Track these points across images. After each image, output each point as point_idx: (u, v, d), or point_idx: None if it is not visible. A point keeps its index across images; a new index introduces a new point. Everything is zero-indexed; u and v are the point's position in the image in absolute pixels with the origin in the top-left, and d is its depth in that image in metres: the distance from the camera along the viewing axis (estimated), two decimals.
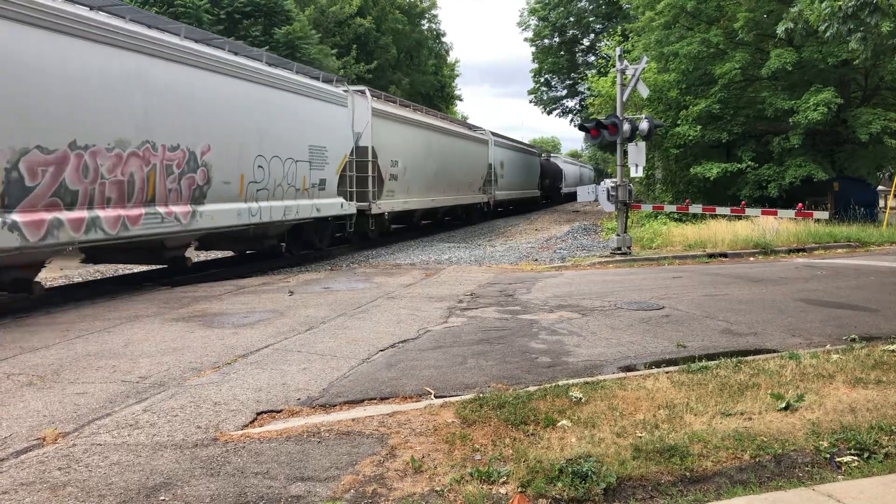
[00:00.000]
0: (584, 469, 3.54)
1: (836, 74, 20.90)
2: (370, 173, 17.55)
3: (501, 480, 3.54)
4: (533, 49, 46.93)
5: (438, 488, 3.47)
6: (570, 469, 3.55)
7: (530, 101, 50.27)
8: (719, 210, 17.26)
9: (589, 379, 5.34)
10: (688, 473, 3.64)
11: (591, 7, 43.46)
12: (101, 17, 9.43)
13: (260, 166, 12.84)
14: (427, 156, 22.58)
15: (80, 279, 13.55)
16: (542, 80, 48.22)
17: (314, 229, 15.84)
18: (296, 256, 15.37)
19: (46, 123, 8.39)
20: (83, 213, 8.91)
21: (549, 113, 49.89)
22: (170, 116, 10.47)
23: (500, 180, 32.34)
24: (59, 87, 8.57)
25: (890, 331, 7.12)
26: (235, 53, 12.57)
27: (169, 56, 10.47)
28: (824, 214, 16.83)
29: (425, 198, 22.64)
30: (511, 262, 14.81)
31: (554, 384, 5.14)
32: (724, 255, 15.08)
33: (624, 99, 15.22)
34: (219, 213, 11.66)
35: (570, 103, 48.55)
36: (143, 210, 9.93)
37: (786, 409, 4.52)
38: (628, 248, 15.16)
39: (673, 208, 18.58)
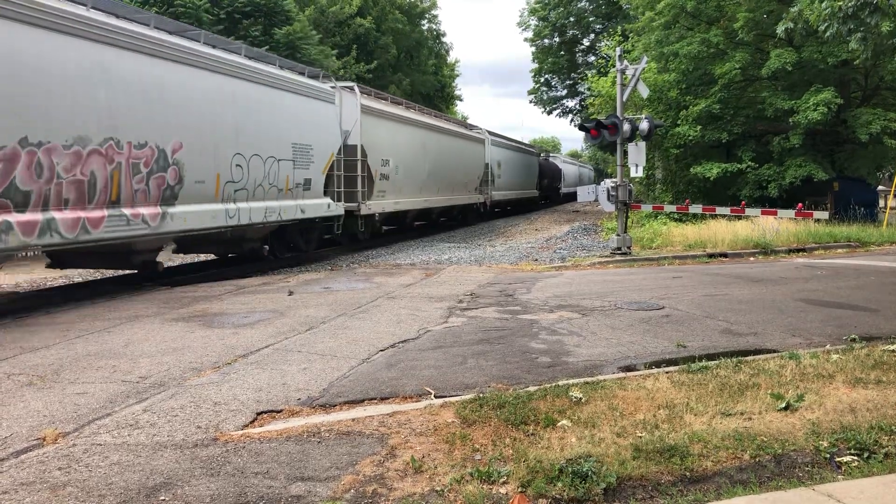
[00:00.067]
0: (584, 469, 3.54)
1: (836, 74, 20.90)
2: (359, 173, 16.97)
3: (501, 480, 3.54)
4: (533, 49, 46.95)
5: (438, 488, 3.47)
6: (570, 469, 3.55)
7: (530, 101, 50.31)
8: (719, 210, 17.27)
9: (589, 379, 5.34)
10: (688, 473, 3.64)
11: (591, 7, 43.46)
12: (58, 3, 8.73)
13: (238, 165, 12.20)
14: (420, 155, 22.00)
15: (80, 279, 13.55)
16: (542, 80, 48.21)
17: (299, 231, 15.26)
18: (280, 259, 14.81)
19: None
20: (36, 216, 8.28)
21: (550, 113, 49.92)
22: (137, 112, 9.83)
23: (498, 180, 31.90)
24: (6, 79, 7.91)
25: (890, 331, 7.12)
26: (213, 46, 12.00)
27: (136, 47, 9.84)
28: (824, 214, 16.83)
29: (418, 198, 22.04)
30: (511, 261, 14.81)
31: (554, 384, 5.14)
32: (724, 255, 15.09)
33: (624, 99, 15.22)
34: (192, 214, 11.02)
35: (571, 103, 48.59)
36: (106, 212, 9.28)
37: (786, 409, 4.52)
38: (628, 248, 15.16)
39: (673, 208, 18.58)
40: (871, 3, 8.95)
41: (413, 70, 42.06)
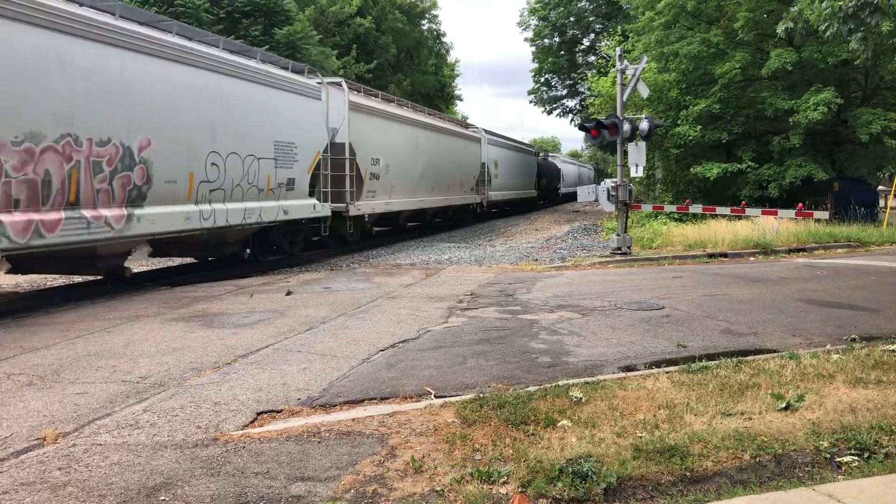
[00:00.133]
0: (584, 469, 3.54)
1: (836, 74, 20.91)
2: (347, 172, 16.29)
3: (502, 480, 3.54)
4: (533, 49, 46.94)
5: (439, 488, 3.47)
6: (570, 469, 3.55)
7: (530, 102, 50.28)
8: (719, 210, 17.27)
9: (589, 379, 5.34)
10: (688, 473, 3.64)
11: (591, 7, 43.46)
12: None
13: (214, 164, 11.48)
14: (413, 154, 21.40)
15: (80, 279, 13.55)
16: (543, 80, 48.20)
17: (283, 233, 14.57)
18: (263, 263, 14.12)
19: None
20: None
21: (550, 113, 49.89)
22: (99, 106, 9.12)
23: (495, 180, 31.36)
24: None
25: (890, 331, 7.12)
26: (189, 39, 11.31)
27: (98, 37, 9.10)
28: (824, 214, 16.83)
29: (411, 199, 21.44)
30: (511, 261, 14.81)
31: (554, 384, 5.14)
32: (725, 255, 15.09)
33: (624, 99, 15.22)
34: (162, 216, 10.34)
35: (571, 103, 48.57)
36: (63, 214, 8.57)
37: (786, 409, 4.52)
38: (628, 248, 15.16)
39: (673, 208, 18.58)
40: (872, 2, 8.95)
41: (413, 70, 42.07)
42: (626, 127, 14.81)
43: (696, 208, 17.79)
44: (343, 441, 4.12)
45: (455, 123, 28.64)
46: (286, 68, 14.30)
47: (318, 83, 15.56)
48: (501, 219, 33.12)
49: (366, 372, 5.67)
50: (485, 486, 3.47)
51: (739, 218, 17.31)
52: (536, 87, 48.67)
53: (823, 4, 9.55)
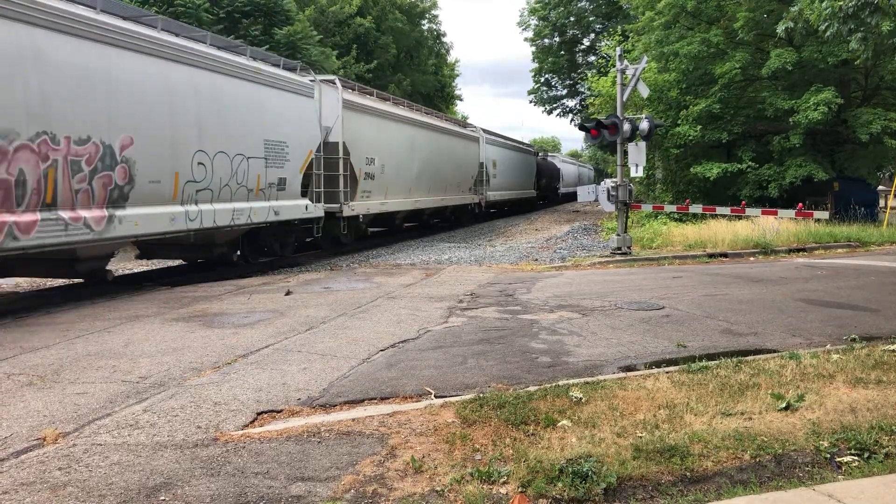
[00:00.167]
0: (584, 469, 3.54)
1: (837, 74, 20.90)
2: (341, 172, 15.95)
3: (502, 480, 3.54)
4: (533, 49, 46.95)
5: (439, 488, 3.47)
6: (570, 469, 3.55)
7: (530, 101, 50.28)
8: (719, 210, 17.27)
9: (589, 379, 5.34)
10: (688, 473, 3.64)
11: (591, 7, 43.47)
12: None
13: (200, 163, 11.11)
14: (409, 153, 21.05)
15: (79, 279, 13.54)
16: (543, 79, 48.20)
17: (274, 235, 14.20)
18: (253, 265, 13.77)
19: None
20: None
21: (550, 113, 49.87)
22: (78, 103, 8.78)
23: (493, 180, 30.89)
24: None
25: (890, 331, 7.12)
26: (176, 34, 10.96)
27: (77, 32, 8.76)
28: (824, 214, 16.83)
29: (407, 199, 21.05)
30: (511, 261, 14.81)
31: (554, 384, 5.14)
32: (725, 255, 15.09)
33: (624, 99, 15.22)
34: (145, 217, 9.97)
35: (571, 103, 48.56)
36: (38, 216, 8.24)
37: (786, 409, 4.52)
38: (628, 247, 15.16)
39: (673, 208, 18.58)
40: (872, 2, 8.95)
41: (413, 70, 42.05)
42: (626, 127, 14.81)
43: (696, 208, 17.79)
44: (343, 441, 4.12)
45: (453, 122, 28.28)
46: (277, 65, 13.95)
47: (311, 81, 15.23)
48: (501, 219, 33.10)
49: (366, 372, 5.67)
50: (485, 486, 3.47)
51: (739, 218, 17.31)
52: (536, 87, 48.68)
53: (823, 4, 9.55)
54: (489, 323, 7.69)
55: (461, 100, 61.15)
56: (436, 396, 5.02)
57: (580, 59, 46.43)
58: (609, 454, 3.77)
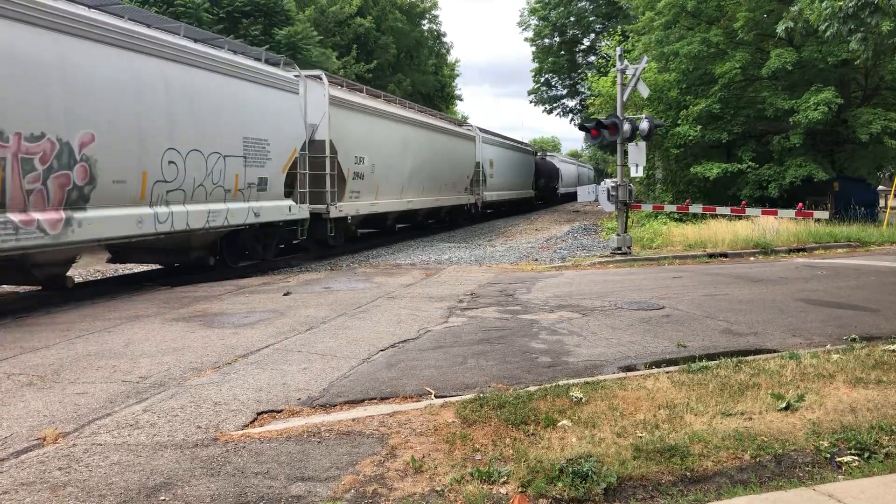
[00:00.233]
0: (584, 469, 3.54)
1: (837, 74, 20.91)
2: (328, 171, 15.31)
3: (502, 480, 3.54)
4: (533, 49, 46.97)
5: (439, 488, 3.47)
6: (570, 469, 3.55)
7: (530, 101, 50.30)
8: (719, 210, 17.28)
9: (589, 379, 5.34)
10: (688, 473, 3.64)
11: (591, 7, 43.49)
12: None
13: (172, 162, 10.48)
14: (401, 152, 20.40)
15: (80, 279, 13.56)
16: (543, 79, 48.21)
17: (255, 237, 13.57)
18: (233, 269, 13.03)
19: None
20: None
21: (550, 112, 49.88)
22: (30, 97, 8.19)
23: (490, 180, 30.37)
24: None
25: (890, 331, 7.12)
26: (148, 25, 10.36)
27: (27, 18, 8.15)
28: (824, 214, 16.84)
29: (399, 199, 20.48)
30: (511, 261, 14.81)
31: (554, 384, 5.14)
32: (725, 255, 15.09)
33: (624, 99, 15.22)
34: (109, 220, 9.32)
35: (571, 103, 48.59)
36: None
37: (786, 408, 4.52)
38: (628, 247, 15.17)
39: (673, 208, 18.58)
40: (872, 2, 8.96)
41: (413, 70, 42.07)
42: (626, 127, 14.81)
43: (697, 208, 17.79)
44: (343, 441, 4.12)
45: (447, 121, 27.63)
46: (259, 59, 13.36)
47: (296, 76, 14.55)
48: (501, 219, 33.06)
49: (366, 372, 5.67)
50: (485, 486, 3.47)
51: (739, 218, 17.31)
52: (536, 87, 48.69)
53: (823, 4, 9.55)
54: (489, 323, 7.69)
55: (461, 100, 61.19)
56: (436, 396, 5.02)
57: (580, 59, 46.46)
58: (609, 454, 3.77)
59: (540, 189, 43.00)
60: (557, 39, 45.75)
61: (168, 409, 4.69)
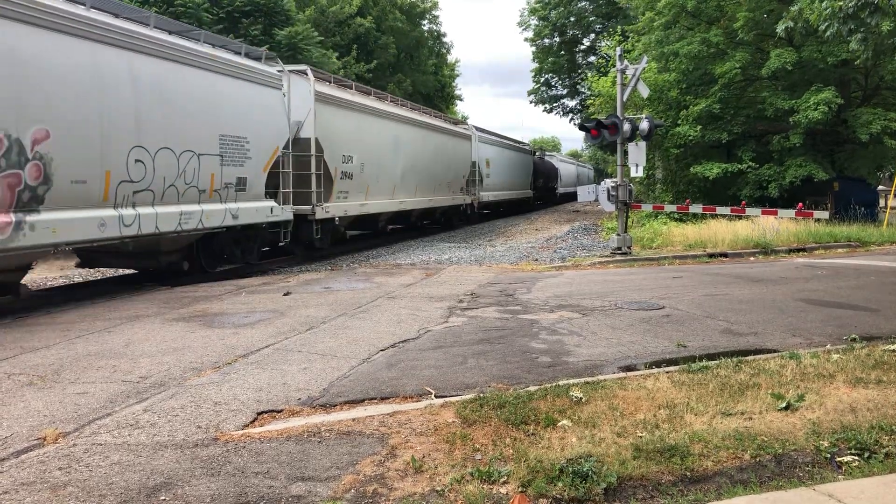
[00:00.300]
0: (584, 469, 3.54)
1: (837, 74, 20.91)
2: (313, 170, 14.62)
3: (502, 480, 3.54)
4: (533, 49, 46.96)
5: (439, 488, 3.47)
6: (570, 469, 3.55)
7: (530, 101, 50.28)
8: (719, 210, 17.28)
9: (589, 379, 5.34)
10: (688, 473, 3.64)
11: (591, 7, 43.49)
12: None
13: (139, 161, 9.79)
14: (393, 151, 19.73)
15: (80, 279, 13.56)
16: (543, 79, 48.19)
17: (234, 240, 12.88)
18: (211, 274, 12.41)
19: None
20: None
21: (550, 112, 49.89)
22: None
23: (487, 180, 29.88)
24: None
25: (890, 330, 7.12)
26: (115, 15, 9.71)
27: None
28: (824, 214, 16.84)
29: (391, 199, 19.77)
30: (511, 261, 14.81)
31: (554, 384, 5.14)
32: (725, 255, 15.09)
33: (624, 99, 15.22)
34: (67, 223, 8.63)
35: (571, 103, 48.56)
36: None
37: (786, 408, 4.52)
38: (628, 247, 15.17)
39: (673, 208, 18.59)
40: (872, 2, 8.96)
41: (413, 70, 42.05)
42: (626, 127, 14.81)
43: (697, 208, 17.80)
44: (343, 441, 4.12)
45: (442, 119, 26.77)
46: (239, 53, 12.60)
47: (279, 71, 13.87)
48: (500, 219, 33.04)
49: (366, 372, 5.67)
50: (485, 486, 3.48)
51: (739, 218, 17.31)
52: (536, 87, 48.68)
53: (823, 4, 9.56)
54: (489, 323, 7.69)
55: (461, 100, 61.16)
56: (436, 396, 5.03)
57: (580, 60, 46.47)
58: (609, 454, 3.77)
59: (538, 189, 42.75)
60: (557, 39, 45.75)
61: (168, 409, 4.69)
